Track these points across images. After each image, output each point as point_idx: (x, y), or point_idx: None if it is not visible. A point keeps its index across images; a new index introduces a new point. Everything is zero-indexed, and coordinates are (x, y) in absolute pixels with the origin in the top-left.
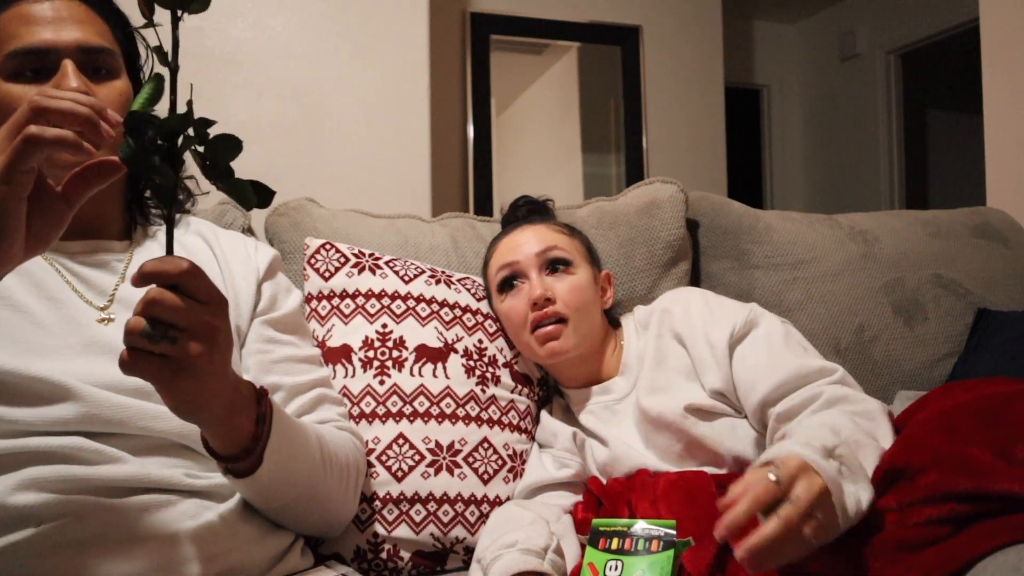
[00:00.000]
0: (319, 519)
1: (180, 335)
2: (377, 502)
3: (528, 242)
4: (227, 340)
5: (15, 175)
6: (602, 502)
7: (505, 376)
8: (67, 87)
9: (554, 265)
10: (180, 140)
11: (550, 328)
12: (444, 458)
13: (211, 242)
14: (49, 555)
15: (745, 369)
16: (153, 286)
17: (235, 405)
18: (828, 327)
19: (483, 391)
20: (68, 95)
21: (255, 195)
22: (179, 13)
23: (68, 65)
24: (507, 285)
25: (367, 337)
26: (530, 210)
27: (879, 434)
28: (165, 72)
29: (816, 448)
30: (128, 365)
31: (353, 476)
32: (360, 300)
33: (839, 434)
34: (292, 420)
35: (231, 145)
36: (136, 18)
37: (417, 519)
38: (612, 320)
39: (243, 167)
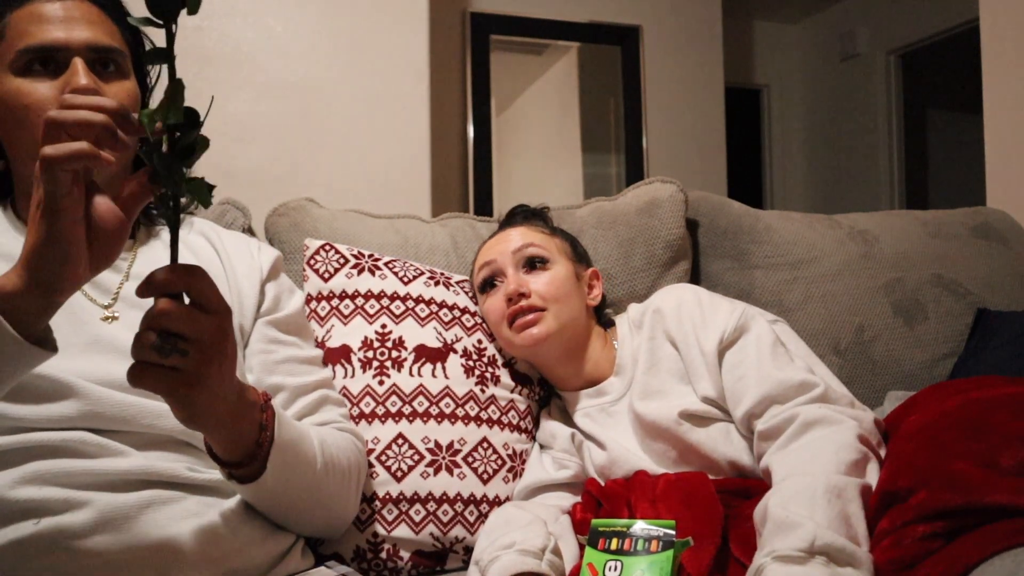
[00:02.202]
0: (321, 521)
1: (189, 346)
2: (377, 502)
3: (506, 241)
4: (233, 348)
5: (57, 202)
6: (601, 503)
7: (505, 376)
8: (77, 84)
9: (532, 262)
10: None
11: (528, 317)
12: (443, 458)
13: (214, 242)
14: (50, 551)
15: (732, 380)
16: (164, 298)
17: (240, 411)
18: (828, 327)
19: (482, 391)
20: (83, 102)
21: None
22: (173, 28)
23: (78, 63)
24: (488, 285)
25: (366, 337)
26: (524, 216)
27: (858, 460)
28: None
29: (796, 558)
30: (138, 378)
31: (355, 478)
32: (359, 301)
33: (816, 496)
34: (294, 425)
35: (202, 145)
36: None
37: (417, 519)
38: (604, 319)
39: (243, 167)
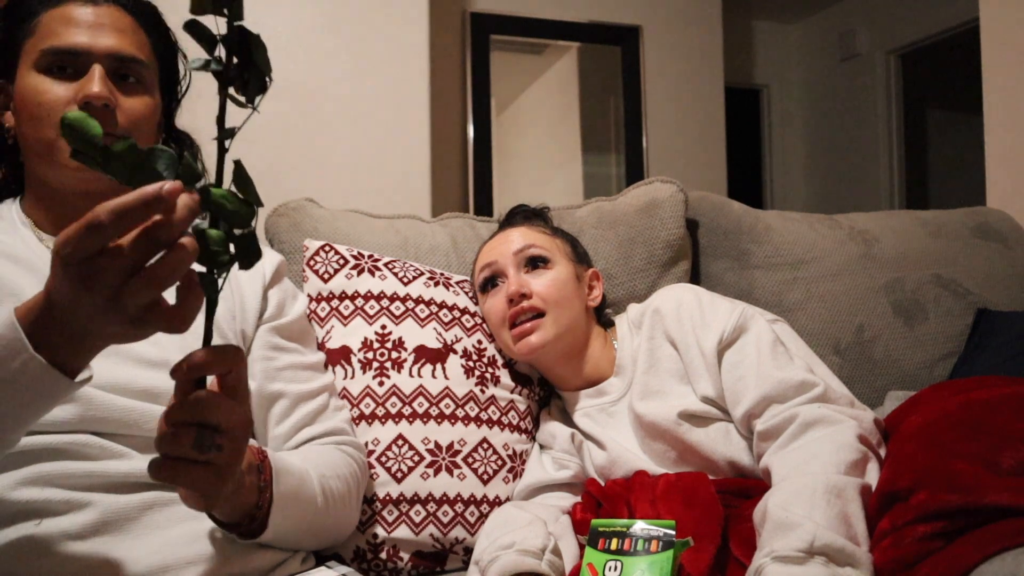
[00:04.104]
0: (322, 543)
1: (224, 439)
2: (377, 503)
3: (507, 242)
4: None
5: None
6: (601, 503)
7: (505, 376)
8: (89, 91)
9: (533, 263)
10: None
11: (526, 325)
12: (443, 459)
13: None
14: (51, 552)
15: (732, 379)
16: (193, 382)
17: (242, 482)
18: (828, 327)
19: (482, 391)
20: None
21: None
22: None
23: (97, 70)
24: (489, 284)
25: (366, 338)
26: (525, 216)
27: (858, 460)
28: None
29: (795, 558)
30: (170, 475)
31: (355, 498)
32: (359, 302)
33: (815, 496)
34: (293, 472)
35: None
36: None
37: (417, 520)
38: (604, 320)
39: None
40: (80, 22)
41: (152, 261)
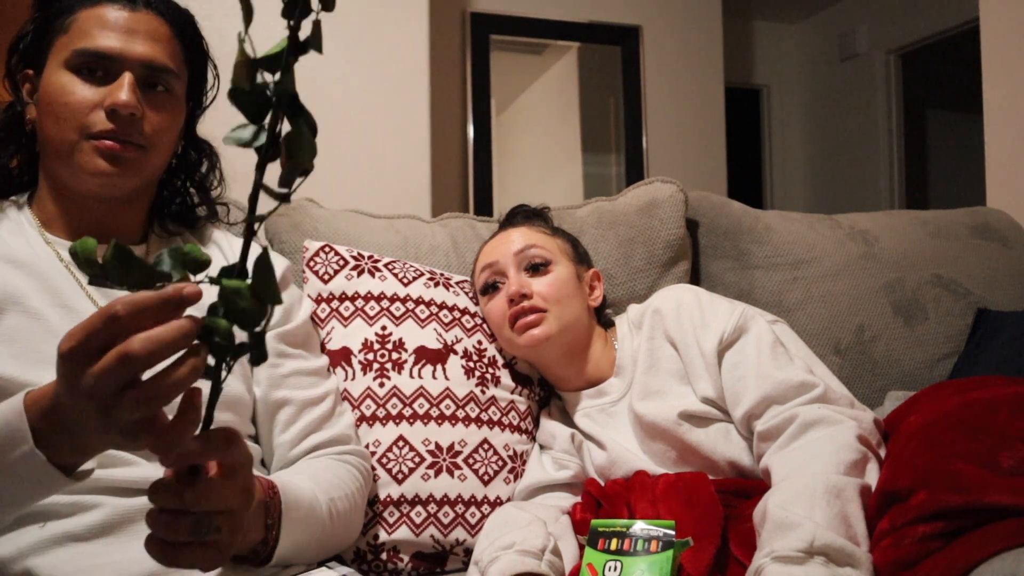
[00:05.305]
0: (326, 556)
1: (222, 520)
2: (378, 504)
3: (508, 242)
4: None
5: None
6: (601, 503)
7: (505, 377)
8: (116, 99)
9: (534, 264)
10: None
11: (530, 318)
12: (444, 460)
13: (226, 252)
14: (53, 553)
15: (732, 380)
16: (198, 480)
17: (248, 524)
18: (828, 327)
19: (483, 392)
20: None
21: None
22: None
23: (127, 77)
24: (491, 288)
25: (366, 339)
26: (525, 216)
27: (857, 460)
28: None
29: (795, 558)
30: (172, 560)
31: (360, 510)
32: (359, 303)
33: (815, 496)
34: (302, 501)
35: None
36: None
37: (417, 521)
38: (604, 320)
39: (244, 167)
40: (115, 26)
41: (149, 376)
